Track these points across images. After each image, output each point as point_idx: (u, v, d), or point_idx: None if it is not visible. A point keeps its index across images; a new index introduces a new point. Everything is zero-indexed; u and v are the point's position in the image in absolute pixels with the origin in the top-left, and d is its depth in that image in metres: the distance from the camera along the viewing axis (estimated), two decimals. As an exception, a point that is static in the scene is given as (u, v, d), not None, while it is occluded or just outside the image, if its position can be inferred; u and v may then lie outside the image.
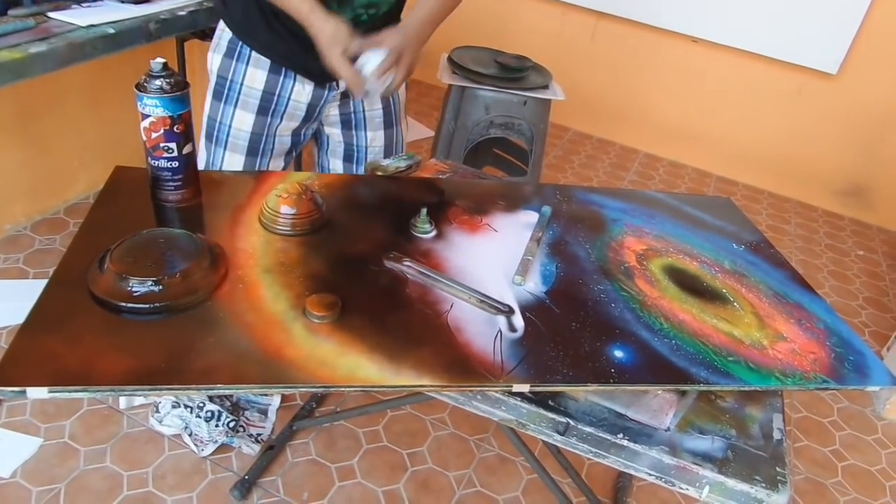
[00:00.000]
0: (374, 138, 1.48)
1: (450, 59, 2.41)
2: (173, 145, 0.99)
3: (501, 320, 0.91)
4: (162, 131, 0.97)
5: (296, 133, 1.41)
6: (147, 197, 1.05)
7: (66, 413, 1.62)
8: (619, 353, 0.88)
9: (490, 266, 1.03)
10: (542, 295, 0.98)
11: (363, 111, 1.44)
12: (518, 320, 0.92)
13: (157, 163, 1.01)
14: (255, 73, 1.32)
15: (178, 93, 0.96)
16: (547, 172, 3.11)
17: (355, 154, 1.49)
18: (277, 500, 1.52)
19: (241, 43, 1.31)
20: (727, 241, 1.25)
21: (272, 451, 1.60)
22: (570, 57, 3.43)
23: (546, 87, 2.39)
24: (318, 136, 1.50)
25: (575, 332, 0.91)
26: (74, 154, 2.27)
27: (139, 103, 0.96)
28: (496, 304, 0.93)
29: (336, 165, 1.51)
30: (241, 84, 1.33)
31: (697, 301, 1.03)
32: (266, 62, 1.31)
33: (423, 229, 1.08)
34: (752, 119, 3.28)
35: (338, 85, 1.37)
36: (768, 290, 1.11)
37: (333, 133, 1.47)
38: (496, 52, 2.50)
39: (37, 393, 0.69)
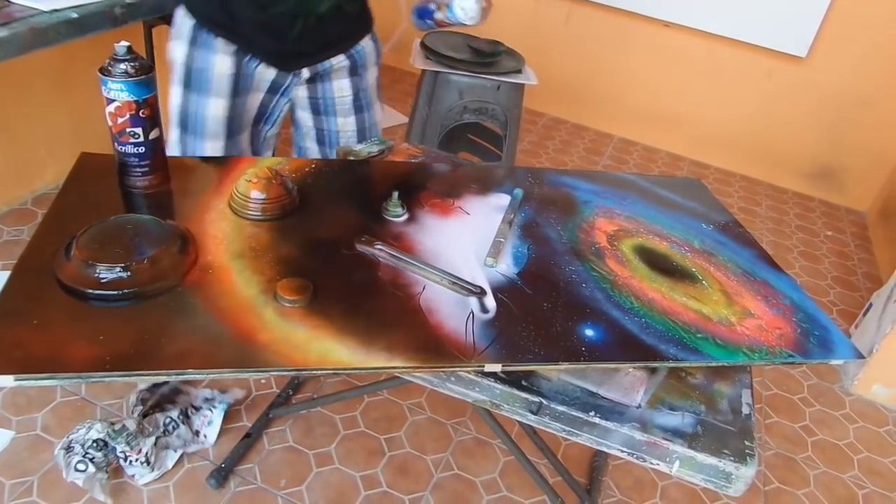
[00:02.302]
0: (344, 124, 1.48)
1: (423, 44, 2.40)
2: (139, 130, 0.98)
3: (473, 302, 0.92)
4: (128, 116, 0.96)
5: (263, 105, 1.40)
6: (114, 183, 1.03)
7: (39, 405, 1.60)
8: (589, 332, 0.89)
9: (462, 248, 1.03)
10: (513, 276, 0.99)
11: (332, 97, 1.44)
12: (490, 301, 0.92)
13: (123, 148, 0.99)
14: (224, 59, 1.31)
15: (144, 77, 0.95)
16: (522, 158, 3.12)
17: (327, 139, 1.49)
18: (255, 487, 1.52)
19: (204, 30, 1.29)
20: (697, 221, 1.26)
21: (249, 438, 1.60)
22: (543, 42, 3.43)
23: (519, 71, 2.40)
24: (293, 118, 1.50)
25: (546, 313, 0.92)
26: (41, 142, 2.23)
27: (104, 88, 0.95)
28: (468, 286, 0.93)
29: (311, 146, 1.52)
30: (211, 72, 1.31)
31: (667, 280, 1.05)
32: (232, 47, 1.30)
33: (395, 213, 1.08)
34: (723, 103, 3.31)
35: (299, 74, 1.38)
36: (736, 269, 1.12)
37: (304, 117, 1.47)
38: (469, 36, 2.49)
39: (3, 381, 0.68)
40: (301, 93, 1.42)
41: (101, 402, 1.63)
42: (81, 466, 1.40)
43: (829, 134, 3.20)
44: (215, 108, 1.33)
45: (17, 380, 0.69)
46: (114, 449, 1.44)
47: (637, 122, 3.52)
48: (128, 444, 1.44)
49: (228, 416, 1.65)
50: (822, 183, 3.33)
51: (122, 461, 1.45)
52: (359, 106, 1.47)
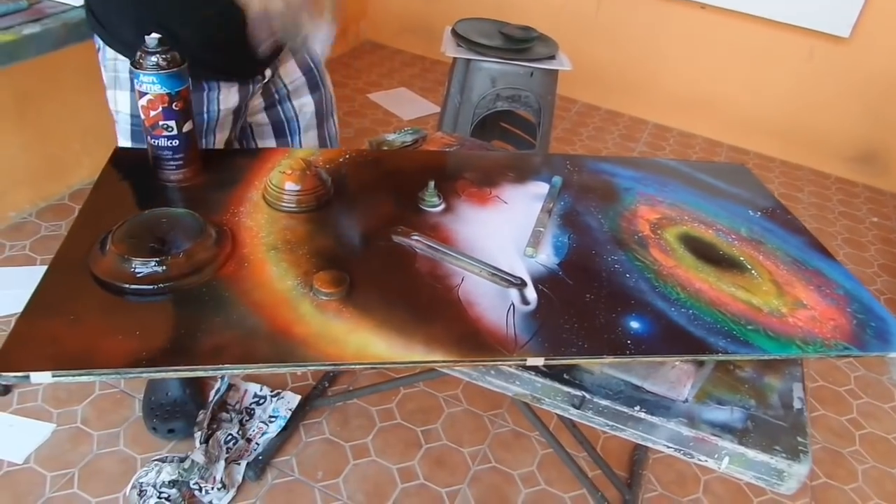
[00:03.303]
0: (301, 105, 1.38)
1: (454, 32, 2.37)
2: (172, 123, 0.97)
3: (514, 293, 0.89)
4: (160, 109, 0.95)
5: (228, 143, 1.32)
6: (148, 177, 1.03)
7: (78, 398, 1.62)
8: (634, 324, 0.86)
9: (501, 238, 1.00)
10: (554, 267, 0.96)
11: (285, 86, 1.35)
12: (531, 293, 0.90)
13: (157, 142, 0.99)
14: None
15: (176, 69, 0.94)
16: (555, 145, 3.07)
17: (286, 126, 1.40)
18: (292, 479, 1.52)
19: None
20: (743, 208, 1.22)
21: (286, 430, 1.60)
22: (575, 27, 3.37)
23: (552, 57, 2.35)
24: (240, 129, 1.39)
25: (589, 304, 0.89)
26: (75, 138, 2.25)
27: (136, 81, 0.94)
28: (508, 277, 0.91)
29: (268, 143, 1.41)
30: None
31: (714, 269, 1.01)
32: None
33: (432, 203, 1.06)
34: (762, 86, 3.21)
35: (263, 76, 1.27)
36: (786, 257, 1.08)
37: (258, 118, 1.37)
38: (500, 23, 2.45)
39: (40, 377, 0.68)
40: (256, 101, 1.32)
41: (138, 395, 1.64)
42: None
43: (872, 116, 3.09)
44: None
45: (54, 376, 0.68)
46: (187, 482, 1.42)
47: (672, 107, 3.44)
48: (202, 477, 1.41)
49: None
50: (866, 167, 3.22)
51: (196, 491, 1.43)
52: (313, 84, 1.38)
